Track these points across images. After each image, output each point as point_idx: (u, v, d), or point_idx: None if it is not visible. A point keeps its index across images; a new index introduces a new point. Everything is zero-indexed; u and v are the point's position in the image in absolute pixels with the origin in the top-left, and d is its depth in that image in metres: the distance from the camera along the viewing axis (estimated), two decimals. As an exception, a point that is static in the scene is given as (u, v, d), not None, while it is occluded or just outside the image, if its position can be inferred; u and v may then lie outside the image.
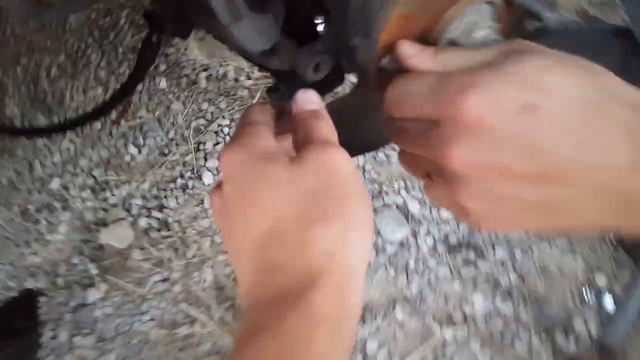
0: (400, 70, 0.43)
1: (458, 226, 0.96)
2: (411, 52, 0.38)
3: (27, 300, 0.57)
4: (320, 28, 0.61)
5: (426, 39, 0.46)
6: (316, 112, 0.36)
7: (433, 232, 0.96)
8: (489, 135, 0.29)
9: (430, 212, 0.98)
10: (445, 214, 0.97)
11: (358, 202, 0.30)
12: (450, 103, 0.30)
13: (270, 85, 0.70)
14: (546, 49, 0.34)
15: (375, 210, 1.00)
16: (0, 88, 1.32)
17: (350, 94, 0.66)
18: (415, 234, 0.96)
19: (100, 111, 0.94)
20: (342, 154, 0.31)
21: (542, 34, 0.89)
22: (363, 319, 0.92)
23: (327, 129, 0.34)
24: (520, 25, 0.52)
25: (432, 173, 0.36)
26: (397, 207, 0.98)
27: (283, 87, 0.66)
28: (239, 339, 0.29)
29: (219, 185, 0.33)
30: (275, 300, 0.28)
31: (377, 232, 0.98)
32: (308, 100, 0.37)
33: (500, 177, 0.29)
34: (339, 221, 0.29)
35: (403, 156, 0.41)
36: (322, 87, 0.50)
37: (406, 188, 1.00)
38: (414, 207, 0.98)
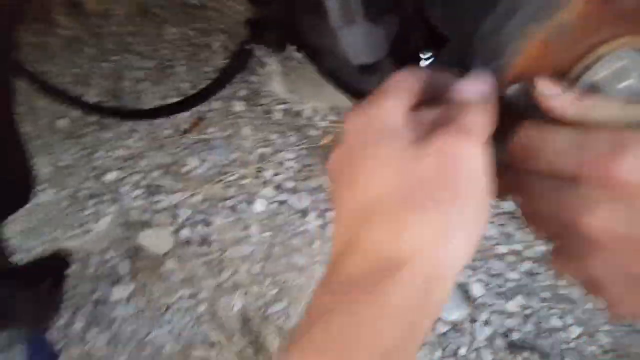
0: (527, 106, 0.40)
1: (525, 322, 0.88)
2: (551, 92, 0.34)
3: (57, 261, 0.55)
4: (423, 64, 0.60)
5: (563, 74, 0.43)
6: (480, 105, 0.32)
7: (494, 323, 0.89)
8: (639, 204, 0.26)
9: (495, 300, 0.91)
10: (512, 306, 0.90)
11: (473, 202, 0.27)
12: (599, 163, 0.27)
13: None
14: None
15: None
16: (85, 77, 1.38)
17: None
18: (473, 320, 0.89)
19: (182, 105, 0.96)
20: (477, 151, 0.28)
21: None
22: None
23: (479, 123, 0.31)
24: None
25: (561, 237, 0.31)
26: (458, 285, 0.92)
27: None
28: (308, 314, 0.27)
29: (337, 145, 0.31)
30: (351, 281, 0.26)
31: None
32: (480, 89, 0.34)
33: None
34: (443, 215, 0.26)
35: (525, 210, 0.36)
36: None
37: (472, 267, 0.94)
38: (478, 291, 0.92)
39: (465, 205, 0.27)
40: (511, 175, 0.34)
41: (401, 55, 0.56)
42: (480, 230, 0.28)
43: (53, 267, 0.52)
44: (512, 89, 0.41)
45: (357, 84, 0.59)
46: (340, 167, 0.29)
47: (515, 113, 0.43)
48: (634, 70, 0.44)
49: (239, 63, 0.76)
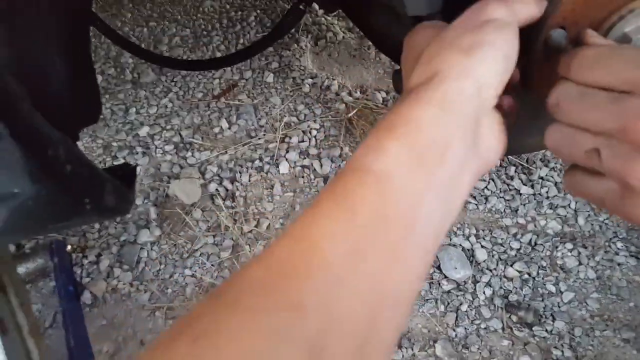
0: (566, 49, 0.46)
1: (522, 286, 0.93)
2: (595, 41, 0.41)
3: (127, 169, 0.60)
4: None
5: (602, 22, 0.49)
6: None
7: (494, 285, 0.94)
8: None
9: (497, 265, 0.96)
10: (512, 271, 0.95)
11: (485, 32, 0.36)
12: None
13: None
14: None
15: (441, 247, 1.00)
16: (124, 41, 1.44)
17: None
18: (475, 281, 0.95)
19: (236, 57, 1.02)
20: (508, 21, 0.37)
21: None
22: (400, 344, 0.89)
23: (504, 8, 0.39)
24: None
25: (602, 146, 0.35)
26: (464, 249, 0.97)
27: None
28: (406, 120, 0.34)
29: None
30: (406, 92, 0.36)
31: (437, 267, 0.97)
32: None
33: None
34: (466, 42, 0.36)
35: (569, 117, 0.38)
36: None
37: (477, 235, 1.00)
38: (481, 255, 0.97)
39: (483, 32, 0.36)
40: (562, 82, 0.39)
41: (451, 13, 0.61)
42: (507, 67, 0.36)
43: (123, 172, 0.57)
44: (556, 32, 0.47)
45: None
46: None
47: (555, 55, 0.48)
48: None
49: (292, 20, 0.82)
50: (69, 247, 0.91)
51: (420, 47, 0.39)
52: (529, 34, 0.50)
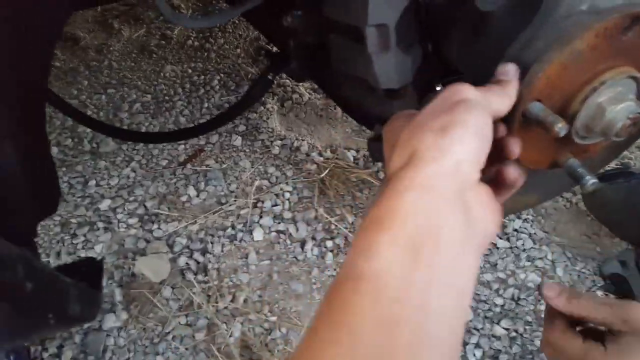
0: (540, 123, 0.47)
1: (511, 345, 0.91)
2: (552, 295, 0.53)
3: (92, 265, 0.55)
4: (439, 89, 0.66)
5: (576, 94, 0.50)
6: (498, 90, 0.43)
7: (484, 346, 0.91)
8: None
9: (484, 324, 0.94)
10: (499, 329, 0.93)
11: (456, 113, 0.37)
12: None
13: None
14: None
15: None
16: (82, 109, 1.39)
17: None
18: (465, 343, 0.92)
19: (200, 129, 0.99)
20: (464, 85, 0.39)
21: (628, 174, 0.94)
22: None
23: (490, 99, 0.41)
24: None
25: None
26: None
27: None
28: (391, 208, 0.33)
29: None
30: (387, 179, 0.36)
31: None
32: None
33: None
34: (441, 123, 0.36)
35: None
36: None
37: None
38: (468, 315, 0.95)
39: (455, 113, 0.37)
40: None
41: (420, 84, 0.62)
42: (482, 144, 0.37)
43: (87, 269, 0.52)
44: (532, 105, 0.47)
45: (379, 109, 0.64)
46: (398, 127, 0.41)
47: (534, 125, 0.49)
48: (629, 93, 0.51)
49: (260, 89, 0.81)
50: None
51: (396, 134, 0.39)
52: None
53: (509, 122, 0.48)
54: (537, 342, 0.91)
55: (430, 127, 0.36)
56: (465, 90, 0.39)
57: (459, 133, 0.35)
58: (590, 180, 0.51)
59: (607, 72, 0.50)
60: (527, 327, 0.93)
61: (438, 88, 0.66)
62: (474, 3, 0.52)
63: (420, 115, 0.38)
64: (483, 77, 0.52)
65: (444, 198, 0.33)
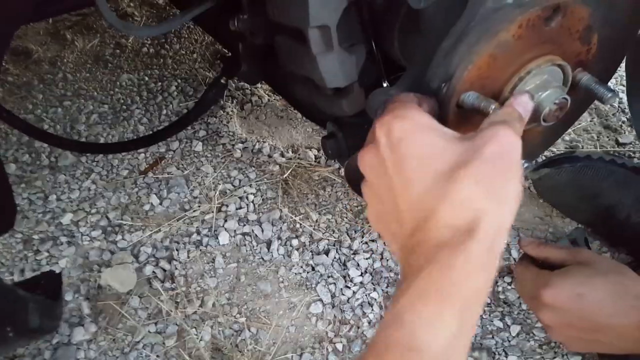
0: (476, 110, 0.50)
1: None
2: (525, 243, 0.79)
3: (51, 278, 0.55)
4: (385, 85, 0.69)
5: (506, 83, 0.54)
6: (520, 113, 0.43)
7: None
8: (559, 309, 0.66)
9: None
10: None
11: (516, 181, 0.36)
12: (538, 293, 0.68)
13: (326, 134, 0.76)
14: (602, 260, 0.71)
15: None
16: (37, 123, 1.37)
17: None
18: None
19: (154, 138, 0.98)
20: (517, 138, 0.37)
21: (573, 158, 1.00)
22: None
23: (518, 118, 0.41)
24: None
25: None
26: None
27: (340, 135, 0.72)
28: (404, 274, 0.34)
29: (370, 147, 0.38)
30: (437, 245, 0.33)
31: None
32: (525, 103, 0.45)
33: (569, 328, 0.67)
34: (503, 189, 0.34)
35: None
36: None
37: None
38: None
39: (515, 181, 0.36)
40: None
41: (366, 82, 0.64)
42: (517, 205, 0.36)
43: (46, 282, 0.52)
44: (466, 95, 0.50)
45: (329, 107, 0.66)
46: (396, 163, 0.37)
47: (466, 112, 0.52)
48: (554, 81, 0.55)
49: (214, 94, 0.82)
50: (-11, 363, 0.81)
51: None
52: (443, 100, 0.53)
53: (443, 114, 0.51)
54: (496, 322, 0.95)
55: (495, 199, 0.34)
56: (517, 151, 0.37)
57: (504, 197, 0.35)
58: (525, 164, 0.54)
59: (532, 61, 0.53)
60: (486, 309, 0.97)
61: (384, 84, 0.69)
62: (407, 2, 0.54)
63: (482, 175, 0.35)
64: (424, 72, 0.55)
65: (483, 264, 0.34)
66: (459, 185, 0.34)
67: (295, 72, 0.64)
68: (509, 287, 1.00)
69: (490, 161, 0.34)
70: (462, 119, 0.53)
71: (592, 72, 0.58)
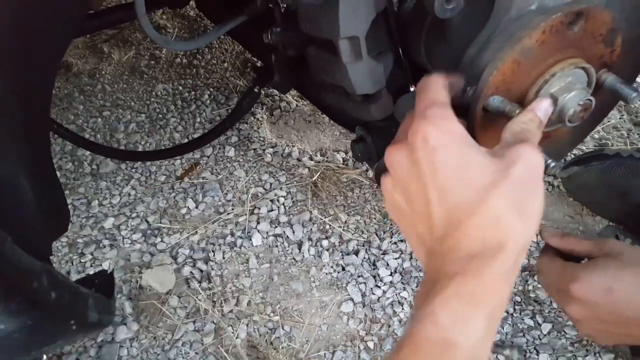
0: (502, 113, 0.52)
1: (503, 324, 0.96)
2: (548, 235, 0.73)
3: (104, 277, 0.60)
4: (412, 89, 0.72)
5: (531, 86, 0.56)
6: (540, 120, 0.46)
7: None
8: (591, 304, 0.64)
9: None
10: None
11: (541, 198, 0.40)
12: (566, 287, 0.65)
13: (356, 138, 0.79)
14: (630, 251, 0.67)
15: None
16: (79, 132, 1.44)
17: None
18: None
19: (194, 144, 1.03)
20: (540, 156, 0.41)
21: (602, 156, 1.00)
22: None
23: (537, 135, 0.44)
24: None
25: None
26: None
27: (369, 139, 0.75)
28: (437, 280, 0.36)
29: (401, 146, 0.41)
30: (470, 255, 0.36)
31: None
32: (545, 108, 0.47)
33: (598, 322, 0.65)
34: (530, 208, 0.38)
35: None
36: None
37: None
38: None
39: (540, 199, 0.39)
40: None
41: (394, 87, 0.67)
42: (538, 225, 0.40)
43: (100, 281, 0.57)
44: (492, 99, 0.53)
45: (358, 113, 0.69)
46: (431, 173, 0.39)
47: (491, 115, 0.54)
48: (578, 83, 0.57)
49: (248, 103, 0.86)
50: (44, 357, 0.87)
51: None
52: (469, 103, 0.55)
53: (469, 117, 0.54)
54: (527, 321, 0.96)
55: (523, 219, 0.38)
56: (541, 168, 0.40)
57: (530, 217, 0.39)
58: (552, 164, 0.56)
59: (556, 64, 0.55)
60: (517, 307, 0.98)
61: (412, 89, 0.72)
62: (434, 12, 0.57)
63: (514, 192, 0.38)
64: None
65: (508, 276, 0.38)
66: (490, 204, 0.37)
67: (325, 80, 0.67)
68: (539, 286, 1.01)
69: (518, 182, 0.38)
70: (487, 121, 0.55)
71: (617, 73, 0.59)
